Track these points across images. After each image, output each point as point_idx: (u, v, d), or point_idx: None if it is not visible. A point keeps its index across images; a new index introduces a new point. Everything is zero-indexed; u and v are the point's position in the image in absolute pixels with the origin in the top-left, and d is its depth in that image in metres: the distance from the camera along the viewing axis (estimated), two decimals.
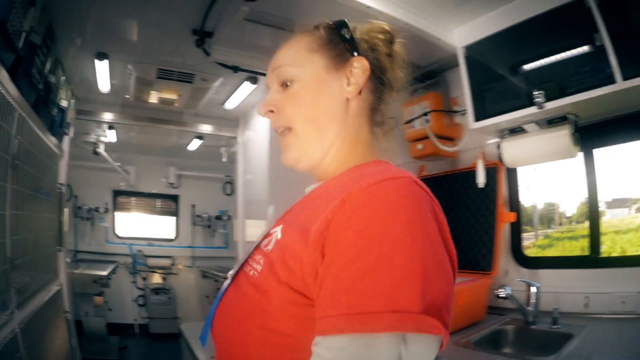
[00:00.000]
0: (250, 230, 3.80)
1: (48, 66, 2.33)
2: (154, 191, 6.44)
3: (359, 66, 0.75)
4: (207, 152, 5.48)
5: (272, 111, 0.77)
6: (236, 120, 4.25)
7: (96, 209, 6.00)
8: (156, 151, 5.98)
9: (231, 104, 3.75)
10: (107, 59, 2.87)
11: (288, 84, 0.76)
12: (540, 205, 2.53)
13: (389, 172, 0.60)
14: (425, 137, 2.49)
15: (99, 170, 5.92)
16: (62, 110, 2.96)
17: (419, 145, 2.55)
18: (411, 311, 0.49)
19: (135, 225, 6.36)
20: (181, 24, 2.40)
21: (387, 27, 0.79)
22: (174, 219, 6.55)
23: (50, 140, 2.84)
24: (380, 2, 1.85)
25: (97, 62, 2.90)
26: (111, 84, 3.32)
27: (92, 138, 5.09)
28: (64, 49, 2.63)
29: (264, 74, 2.61)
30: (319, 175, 0.79)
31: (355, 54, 0.75)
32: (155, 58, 2.93)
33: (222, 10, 2.11)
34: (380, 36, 0.78)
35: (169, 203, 6.55)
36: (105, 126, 4.76)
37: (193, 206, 6.55)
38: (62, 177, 3.40)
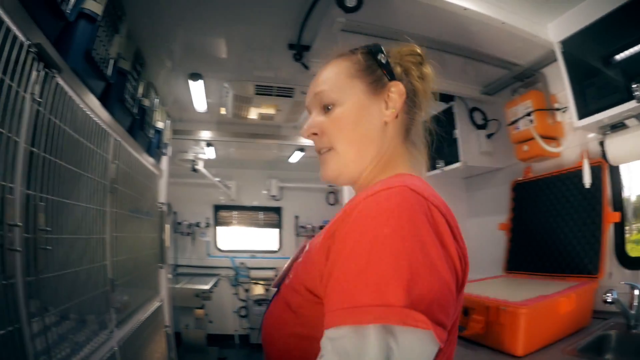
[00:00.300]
0: None
1: (141, 90, 2.40)
2: (255, 204, 6.54)
3: (396, 91, 0.80)
4: (309, 163, 5.47)
5: (315, 134, 0.83)
6: None
7: (197, 224, 6.22)
8: (256, 165, 6.09)
9: None
10: (201, 79, 2.92)
11: (330, 107, 0.81)
12: (632, 198, 2.32)
13: (388, 183, 0.66)
14: (531, 138, 2.37)
15: (199, 186, 6.11)
16: (159, 132, 3.06)
17: (525, 147, 2.43)
18: (396, 305, 0.53)
19: (238, 238, 6.50)
20: (274, 38, 2.39)
21: (418, 50, 0.84)
22: (277, 230, 6.61)
23: (149, 161, 2.94)
24: (475, 2, 1.81)
25: (191, 82, 2.96)
26: (207, 102, 3.39)
27: (190, 156, 5.27)
28: (155, 71, 2.71)
29: None
30: (357, 190, 0.85)
31: (392, 79, 0.81)
32: (252, 75, 2.92)
33: (318, 23, 2.09)
34: (412, 59, 0.83)
35: (271, 215, 6.61)
36: (203, 143, 4.90)
37: (296, 217, 6.57)
38: (162, 196, 3.51)
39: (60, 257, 1.53)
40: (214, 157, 5.42)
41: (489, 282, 2.26)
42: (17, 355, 1.15)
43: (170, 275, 3.60)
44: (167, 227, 3.53)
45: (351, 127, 0.80)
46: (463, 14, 1.79)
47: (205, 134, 4.04)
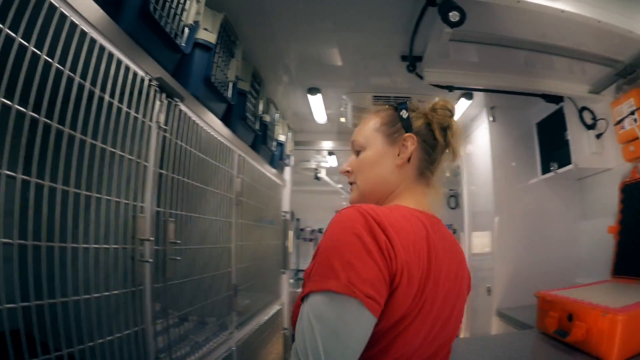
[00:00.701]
0: (476, 241, 3.63)
1: (261, 107, 2.54)
2: None
3: (409, 142, 0.99)
4: None
5: (348, 171, 1.06)
6: None
7: (319, 230, 6.41)
8: None
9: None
10: (319, 92, 3.02)
11: (359, 152, 1.04)
12: None
13: (349, 207, 0.84)
14: (636, 138, 2.27)
15: (321, 193, 6.27)
16: (281, 144, 3.20)
17: (631, 147, 2.33)
18: (332, 281, 0.75)
19: None
20: (386, 47, 2.41)
21: (448, 106, 1.04)
22: None
23: (272, 173, 3.10)
24: (571, 4, 1.86)
25: (310, 96, 3.07)
26: (327, 114, 3.49)
27: (312, 164, 5.44)
28: (273, 88, 2.86)
29: (477, 90, 2.86)
30: None
31: (408, 131, 1.00)
32: (368, 85, 2.96)
33: (427, 33, 2.11)
34: (440, 113, 1.02)
35: None
36: (325, 152, 5.03)
37: None
38: (285, 205, 3.67)
39: (187, 265, 1.69)
40: (336, 164, 5.51)
41: (596, 287, 2.20)
42: (139, 351, 1.28)
43: (291, 280, 3.73)
44: (290, 234, 3.68)
45: (369, 168, 1.02)
46: (561, 16, 1.86)
47: (327, 144, 4.12)
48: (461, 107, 3.25)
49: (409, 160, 1.00)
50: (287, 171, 3.78)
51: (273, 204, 3.19)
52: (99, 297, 1.13)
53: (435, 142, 1.01)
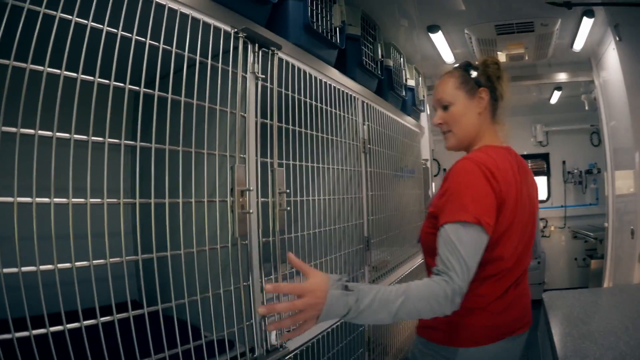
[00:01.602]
0: (620, 182, 3.17)
1: (380, 52, 2.41)
2: (524, 152, 5.99)
3: (483, 94, 1.29)
4: (570, 103, 5.20)
5: (441, 123, 1.32)
6: (589, 63, 3.55)
7: None
8: (518, 111, 5.65)
9: (578, 44, 3.20)
10: (439, 30, 2.82)
11: (446, 106, 1.30)
12: None
13: (474, 154, 1.21)
14: None
15: None
16: (411, 90, 3.05)
17: None
18: (464, 214, 1.07)
19: None
20: None
21: (496, 60, 1.32)
22: (544, 178, 6.03)
23: (407, 120, 2.96)
24: None
25: (431, 35, 2.87)
26: (454, 54, 3.26)
27: None
28: (391, 31, 2.71)
29: (598, 4, 2.69)
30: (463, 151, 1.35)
31: (479, 86, 1.29)
32: (489, 15, 2.75)
33: None
34: (492, 68, 1.30)
35: (539, 163, 6.07)
36: None
37: (563, 163, 5.88)
38: (425, 153, 3.51)
39: (309, 217, 1.70)
40: None
41: None
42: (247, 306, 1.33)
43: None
44: (433, 185, 3.53)
45: (460, 119, 1.29)
46: None
47: None
48: (583, 29, 2.94)
49: (485, 108, 1.31)
50: (424, 118, 3.59)
51: (411, 152, 3.07)
52: (204, 250, 1.21)
53: (495, 89, 1.30)
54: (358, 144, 2.13)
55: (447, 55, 3.27)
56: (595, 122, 4.88)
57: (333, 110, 1.89)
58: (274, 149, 1.45)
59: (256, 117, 1.37)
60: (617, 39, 2.76)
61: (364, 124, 2.21)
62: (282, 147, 1.52)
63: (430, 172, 3.57)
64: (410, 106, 3.05)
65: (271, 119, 1.44)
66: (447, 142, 1.35)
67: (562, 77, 3.74)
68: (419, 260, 3.00)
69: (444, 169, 6.14)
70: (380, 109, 2.44)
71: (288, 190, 1.48)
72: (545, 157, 6.03)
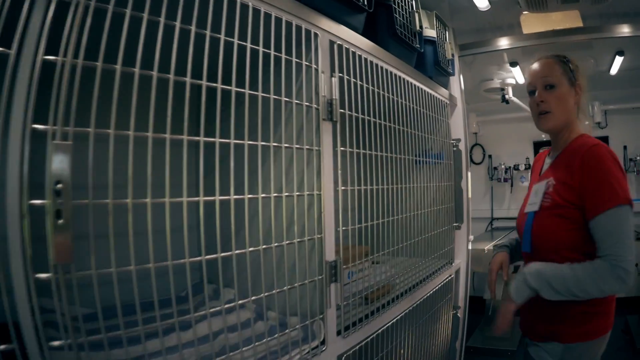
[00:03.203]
0: None
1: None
2: None
3: (582, 86, 1.44)
4: (633, 75, 4.36)
5: (542, 101, 1.41)
6: None
7: (516, 167, 5.14)
8: None
9: None
10: None
11: (550, 87, 1.41)
12: None
13: (591, 140, 1.34)
14: None
15: (513, 121, 5.12)
16: (432, 43, 2.16)
17: None
18: (618, 198, 1.20)
19: None
20: None
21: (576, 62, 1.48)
22: None
23: (425, 83, 2.09)
24: None
25: None
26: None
27: (496, 83, 4.18)
28: None
29: None
30: (556, 140, 1.50)
31: (575, 79, 1.44)
32: None
33: None
34: (580, 65, 1.46)
35: None
36: (507, 65, 3.77)
37: (624, 148, 4.85)
38: (458, 132, 2.59)
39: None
40: (523, 80, 4.19)
41: None
42: None
43: (472, 237, 2.67)
44: (468, 173, 2.61)
45: (564, 102, 1.41)
46: None
47: (502, 43, 2.83)
48: None
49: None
50: (455, 84, 2.67)
51: (436, 130, 2.22)
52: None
53: (581, 86, 1.45)
54: (317, 106, 1.26)
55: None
56: None
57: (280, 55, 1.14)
58: None
59: None
60: None
61: (330, 76, 1.33)
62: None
63: (466, 158, 2.63)
64: (430, 65, 2.19)
65: None
66: (544, 123, 1.44)
67: (625, 30, 2.74)
68: (442, 278, 2.20)
69: (489, 155, 5.41)
70: (367, 56, 1.56)
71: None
72: (604, 140, 4.92)
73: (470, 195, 2.71)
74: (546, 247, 1.36)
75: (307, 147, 1.20)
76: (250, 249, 1.03)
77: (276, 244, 1.12)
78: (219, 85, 0.95)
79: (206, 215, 0.92)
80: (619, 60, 3.84)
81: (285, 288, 1.14)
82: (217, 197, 0.95)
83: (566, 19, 2.81)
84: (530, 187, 1.59)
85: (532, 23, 2.88)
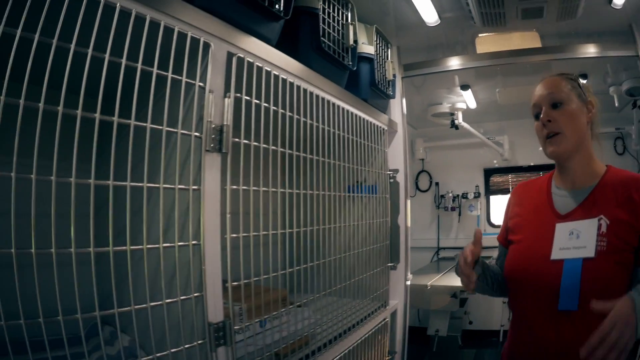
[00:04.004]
0: None
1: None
2: (534, 163, 5.16)
3: (591, 106, 1.30)
4: (600, 101, 3.99)
5: (549, 121, 1.26)
6: (628, 32, 2.57)
7: (464, 195, 5.12)
8: (528, 110, 4.55)
9: None
10: None
11: (558, 104, 1.27)
12: None
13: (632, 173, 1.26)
14: None
15: (463, 147, 5.16)
16: (369, 60, 2.02)
17: None
18: None
19: None
20: None
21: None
22: None
23: (355, 105, 1.92)
24: None
25: None
26: (436, 11, 2.40)
27: (445, 107, 4.14)
28: None
29: None
30: (569, 168, 1.32)
31: (585, 96, 1.31)
32: None
33: None
34: (587, 82, 1.72)
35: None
36: (457, 89, 3.73)
37: None
38: (397, 161, 2.45)
39: None
40: (475, 105, 4.17)
41: None
42: None
43: (410, 276, 2.54)
44: (407, 203, 2.48)
45: (576, 120, 1.26)
46: None
47: (453, 63, 2.73)
48: None
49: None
50: (397, 108, 2.54)
51: (370, 159, 2.07)
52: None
53: (592, 103, 1.31)
54: (199, 135, 1.05)
55: (426, 10, 2.33)
56: (624, 124, 4.33)
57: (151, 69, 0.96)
58: None
59: None
60: None
61: (224, 96, 1.13)
62: None
63: (405, 190, 2.50)
64: (365, 86, 2.02)
65: None
66: (554, 146, 1.28)
67: (590, 49, 2.65)
68: (375, 322, 2.03)
69: (437, 183, 5.42)
70: (280, 72, 1.37)
71: None
72: None
73: (409, 228, 2.58)
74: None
75: (179, 186, 0.99)
76: (135, 306, 0.93)
77: (153, 304, 0.96)
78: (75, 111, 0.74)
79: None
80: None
81: (167, 352, 0.98)
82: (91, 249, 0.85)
83: (524, 40, 2.76)
84: (515, 223, 1.41)
85: (488, 44, 2.82)
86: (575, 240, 1.19)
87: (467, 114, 4.42)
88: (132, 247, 0.91)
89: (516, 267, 1.32)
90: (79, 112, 0.79)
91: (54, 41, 0.76)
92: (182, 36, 1.00)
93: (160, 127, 0.95)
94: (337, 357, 1.67)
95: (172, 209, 1.00)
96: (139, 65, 0.90)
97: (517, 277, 1.31)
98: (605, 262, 1.13)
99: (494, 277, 1.45)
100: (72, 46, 0.78)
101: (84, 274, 0.82)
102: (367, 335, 1.95)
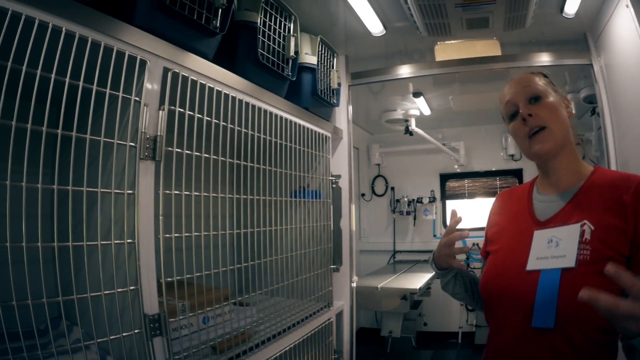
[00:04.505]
0: None
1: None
2: (490, 168, 5.46)
3: (568, 102, 1.25)
4: None
5: (530, 115, 1.16)
6: (582, 40, 2.72)
7: (419, 200, 5.34)
8: (486, 117, 5.00)
9: (571, 6, 2.36)
10: None
11: (536, 98, 1.19)
12: None
13: (628, 174, 1.13)
14: None
15: (417, 153, 5.41)
16: (311, 70, 2.19)
17: None
18: None
19: (471, 213, 5.45)
20: None
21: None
22: None
23: (297, 114, 2.10)
24: None
25: None
26: (380, 20, 2.52)
27: (399, 114, 4.34)
28: None
29: None
30: (553, 169, 1.22)
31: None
32: None
33: None
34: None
35: (510, 181, 5.47)
36: (410, 96, 3.92)
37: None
38: (341, 167, 2.62)
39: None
40: (429, 112, 4.38)
41: None
42: None
43: (356, 278, 2.70)
44: (351, 207, 2.65)
45: (559, 114, 1.18)
46: None
47: (404, 71, 2.88)
48: None
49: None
50: (342, 115, 2.72)
51: (315, 166, 2.25)
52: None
53: (568, 100, 1.26)
54: (134, 144, 1.20)
55: (369, 19, 2.47)
56: (584, 131, 4.37)
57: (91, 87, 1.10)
58: None
59: None
60: None
61: (158, 109, 1.27)
62: None
63: (350, 195, 2.66)
64: (307, 95, 2.19)
65: None
66: (540, 143, 1.17)
67: (544, 58, 2.76)
68: (319, 322, 2.18)
69: (392, 188, 5.65)
70: (216, 85, 1.51)
71: None
72: (517, 173, 5.40)
73: (353, 232, 2.74)
74: (581, 319, 1.00)
75: (116, 190, 1.13)
76: (78, 295, 1.06)
77: (93, 294, 1.10)
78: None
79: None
80: None
81: (106, 338, 1.12)
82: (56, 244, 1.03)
83: (486, 48, 2.83)
84: (494, 233, 1.33)
85: (448, 51, 2.91)
86: (555, 249, 1.09)
87: (424, 120, 4.64)
88: (74, 244, 1.04)
89: (489, 280, 1.22)
90: (29, 125, 0.91)
91: (9, 63, 0.90)
92: (120, 55, 1.14)
93: (99, 138, 1.08)
94: (279, 354, 1.80)
95: (111, 211, 1.14)
96: (81, 83, 1.03)
97: (490, 290, 1.21)
98: (588, 273, 1.00)
99: (475, 286, 1.39)
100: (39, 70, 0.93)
101: (36, 270, 0.95)
102: (310, 333, 2.09)
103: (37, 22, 0.94)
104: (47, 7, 0.97)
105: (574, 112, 1.25)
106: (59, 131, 1.00)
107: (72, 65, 1.01)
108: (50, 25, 0.96)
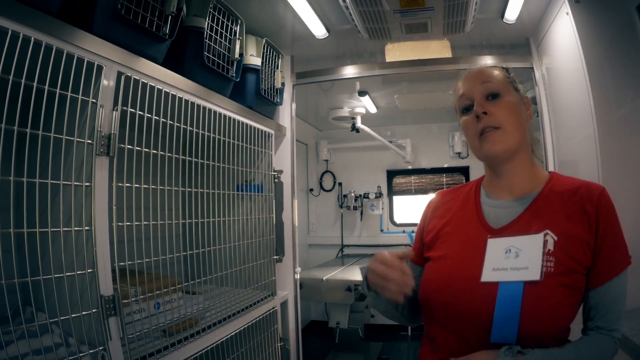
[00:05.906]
0: None
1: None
2: (436, 165, 5.81)
3: (528, 103, 1.22)
4: None
5: (485, 113, 1.13)
6: (525, 45, 2.99)
7: (366, 195, 5.64)
8: (433, 115, 5.36)
9: (512, 12, 2.61)
10: None
11: (494, 96, 1.16)
12: None
13: (588, 182, 1.13)
14: None
15: (365, 150, 5.71)
16: (254, 71, 2.42)
17: None
18: (628, 258, 1.06)
19: (417, 208, 5.89)
20: None
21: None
22: None
23: (240, 112, 2.33)
24: None
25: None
26: (325, 24, 2.74)
27: (345, 112, 4.61)
28: None
29: None
30: (506, 172, 1.19)
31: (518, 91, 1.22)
32: None
33: None
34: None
35: (457, 177, 5.85)
36: (355, 94, 4.19)
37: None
38: (284, 162, 2.86)
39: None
40: (375, 110, 4.68)
41: None
42: None
43: (299, 269, 2.96)
44: (294, 201, 2.90)
45: (516, 114, 1.15)
46: None
47: (349, 71, 3.13)
48: None
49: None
50: (285, 113, 2.98)
51: (258, 162, 2.50)
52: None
53: (529, 101, 1.23)
54: (92, 142, 1.41)
55: (313, 23, 2.69)
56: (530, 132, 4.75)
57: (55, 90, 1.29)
58: None
59: None
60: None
61: (112, 109, 1.47)
62: None
63: (292, 188, 2.90)
64: (251, 95, 2.44)
65: None
66: (491, 144, 1.13)
67: (487, 61, 2.96)
68: (263, 310, 2.41)
69: (340, 183, 5.92)
70: (164, 87, 1.73)
71: None
72: (464, 170, 5.77)
73: (295, 225, 2.97)
74: (543, 334, 1.00)
75: (76, 183, 1.35)
76: (44, 276, 1.25)
77: (57, 275, 1.28)
78: None
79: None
80: None
81: (67, 317, 1.30)
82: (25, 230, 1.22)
83: (438, 49, 3.00)
84: (433, 238, 1.26)
85: (397, 52, 3.09)
86: (515, 260, 1.04)
87: (371, 118, 4.95)
88: (40, 230, 1.24)
89: (435, 290, 1.15)
90: (2, 125, 1.11)
91: None
92: (80, 61, 1.35)
93: (61, 136, 1.29)
94: (225, 338, 2.03)
95: (72, 201, 1.35)
96: (46, 87, 1.22)
97: (437, 300, 1.14)
98: (553, 286, 0.99)
99: (409, 302, 1.29)
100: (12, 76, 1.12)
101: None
102: (255, 320, 2.33)
103: (10, 32, 1.13)
104: (18, 18, 1.15)
105: (533, 115, 1.22)
106: (28, 130, 1.19)
107: (39, 70, 1.20)
108: (21, 34, 1.14)
